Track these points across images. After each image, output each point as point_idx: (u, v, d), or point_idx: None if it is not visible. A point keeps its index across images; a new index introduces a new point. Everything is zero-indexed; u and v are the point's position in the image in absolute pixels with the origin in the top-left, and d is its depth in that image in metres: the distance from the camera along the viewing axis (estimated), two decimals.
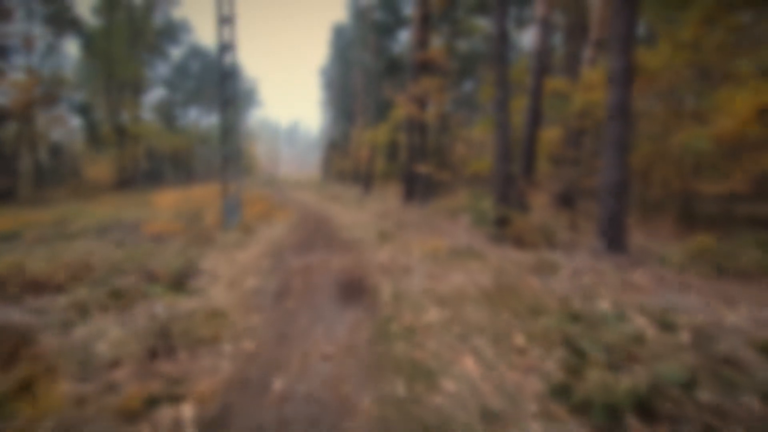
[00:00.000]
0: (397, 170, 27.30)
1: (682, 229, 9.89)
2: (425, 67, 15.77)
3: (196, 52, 47.97)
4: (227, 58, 10.41)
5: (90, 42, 25.77)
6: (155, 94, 43.21)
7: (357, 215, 14.50)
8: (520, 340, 3.64)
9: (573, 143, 14.19)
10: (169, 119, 44.91)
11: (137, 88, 32.91)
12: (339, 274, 6.55)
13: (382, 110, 27.76)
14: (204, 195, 22.22)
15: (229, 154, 10.74)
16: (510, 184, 8.69)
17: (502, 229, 8.36)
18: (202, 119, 56.37)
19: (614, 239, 6.62)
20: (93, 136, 24.66)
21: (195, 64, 51.24)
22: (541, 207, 8.78)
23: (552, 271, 5.92)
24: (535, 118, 9.99)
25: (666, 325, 3.81)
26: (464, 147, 19.45)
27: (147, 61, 35.99)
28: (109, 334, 3.71)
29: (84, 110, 24.51)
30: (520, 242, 7.83)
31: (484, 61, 23.52)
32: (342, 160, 41.32)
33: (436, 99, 15.29)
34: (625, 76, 6.42)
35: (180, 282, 5.57)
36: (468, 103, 23.78)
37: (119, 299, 4.84)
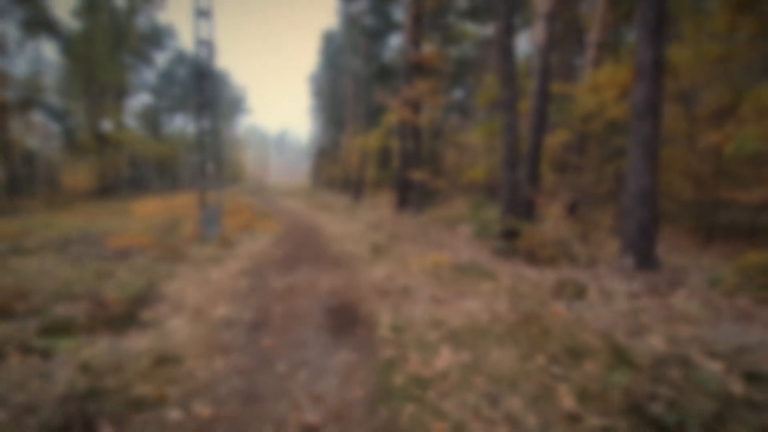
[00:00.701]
0: (389, 177, 26.48)
1: (699, 240, 9.13)
2: (419, 70, 15.00)
3: (182, 58, 46.81)
4: (204, 55, 9.48)
5: (69, 45, 24.62)
6: (140, 101, 42.00)
7: (347, 225, 13.56)
8: (568, 401, 2.73)
9: (576, 149, 13.47)
10: (154, 126, 43.68)
11: (120, 93, 31.73)
12: (328, 298, 5.60)
13: (372, 116, 26.99)
14: (186, 204, 21.08)
15: (207, 160, 9.76)
16: (517, 192, 7.85)
17: (510, 243, 7.49)
18: (189, 126, 55.21)
19: (644, 254, 5.78)
20: (70, 143, 23.43)
21: (181, 71, 50.11)
22: (551, 217, 7.94)
23: (578, 295, 5.04)
24: (541, 122, 9.19)
25: (752, 376, 2.94)
26: (458, 154, 18.65)
27: (131, 67, 34.86)
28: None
29: (61, 116, 23.29)
30: (532, 258, 6.96)
31: (475, 67, 22.91)
32: (332, 168, 40.39)
33: (430, 102, 14.49)
34: (655, 70, 5.63)
35: (131, 314, 4.57)
36: (459, 110, 23.07)
37: (50, 337, 3.84)
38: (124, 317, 4.43)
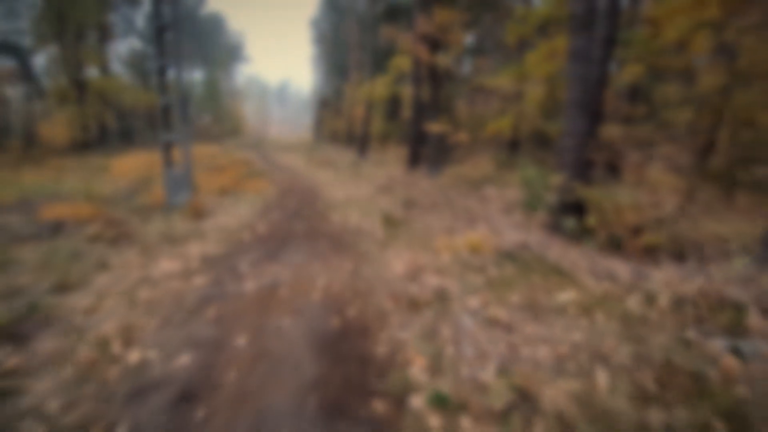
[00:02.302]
0: (398, 130, 24.07)
1: None
2: None
3: None
4: None
5: None
6: (128, 46, 38.73)
7: (352, 187, 11.46)
8: None
9: (628, 96, 11.05)
10: (143, 74, 40.59)
11: (104, 37, 28.73)
12: (323, 315, 3.62)
13: (379, 63, 24.14)
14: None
15: (171, 105, 7.54)
16: (585, 149, 5.68)
17: (577, 220, 5.41)
18: (185, 74, 51.91)
19: None
20: (36, 88, 20.90)
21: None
22: (646, 186, 5.83)
23: (738, 327, 3.03)
24: (607, 52, 6.80)
25: None
26: (482, 102, 16.14)
27: (113, 6, 31.56)
28: None
29: (21, 55, 20.58)
30: (614, 244, 4.90)
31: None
32: (334, 120, 37.71)
33: (453, 38, 11.91)
34: None
35: None
36: (473, 53, 20.11)
37: None
38: None
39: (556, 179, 5.55)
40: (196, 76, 54.19)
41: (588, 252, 4.96)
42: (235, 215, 7.66)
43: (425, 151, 15.13)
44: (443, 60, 11.93)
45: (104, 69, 29.21)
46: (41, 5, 25.19)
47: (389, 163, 17.63)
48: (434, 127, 11.76)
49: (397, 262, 4.87)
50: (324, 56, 48.54)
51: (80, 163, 18.91)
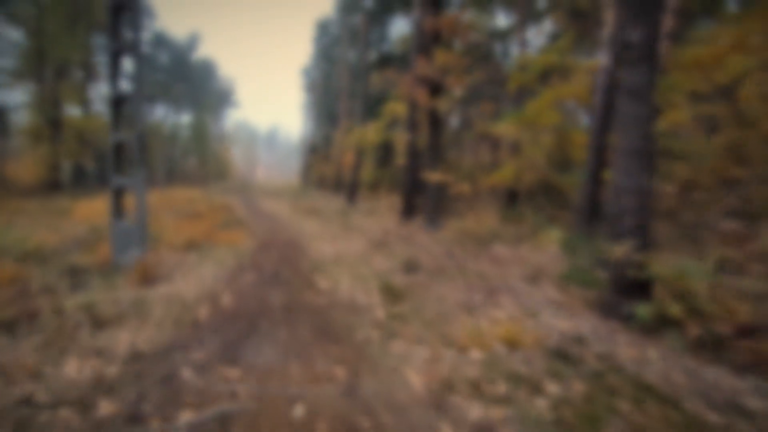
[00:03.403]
0: (390, 177, 23.08)
1: None
2: (437, 40, 11.56)
3: (161, 41, 42.92)
4: None
5: (9, 6, 20.72)
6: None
7: (342, 241, 10.05)
8: None
9: None
10: (129, 115, 39.46)
11: (88, 76, 27.88)
12: None
13: (370, 109, 23.58)
14: (153, 202, 17.42)
15: (123, 143, 6.19)
16: (649, 211, 4.43)
17: (646, 304, 4.06)
18: (170, 118, 51.24)
19: None
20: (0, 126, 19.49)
21: (163, 56, 46.18)
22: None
23: None
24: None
25: None
26: (488, 149, 15.22)
27: (100, 47, 30.99)
28: None
29: None
30: (713, 344, 3.54)
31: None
32: (323, 166, 36.83)
33: (454, 82, 11.03)
34: None
35: None
36: (476, 97, 19.54)
37: None
38: None
39: (618, 250, 4.22)
40: (184, 118, 53.64)
41: (674, 355, 3.57)
42: (197, 279, 6.13)
43: (420, 201, 13.94)
44: (444, 104, 10.98)
45: (86, 108, 28.14)
46: (23, 42, 24.33)
47: (381, 213, 16.37)
48: (433, 176, 10.61)
49: (411, 372, 3.39)
50: (314, 103, 48.68)
51: (43, 206, 17.19)
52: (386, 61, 26.85)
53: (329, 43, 39.85)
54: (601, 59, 8.73)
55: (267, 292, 5.70)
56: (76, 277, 5.85)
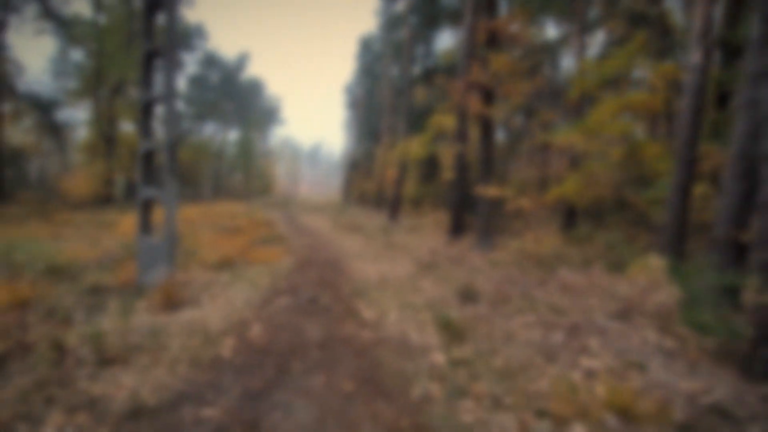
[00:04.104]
0: (434, 193, 22.14)
1: None
2: (492, 43, 10.65)
3: (212, 61, 44.53)
4: None
5: (69, 28, 21.75)
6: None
7: (386, 261, 9.19)
8: None
9: None
10: (180, 133, 40.87)
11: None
12: None
13: (414, 123, 22.86)
14: (192, 217, 17.39)
15: (154, 151, 5.67)
16: None
17: None
18: (218, 135, 52.90)
19: None
20: (56, 139, 20.26)
21: (213, 75, 47.94)
22: None
23: None
24: None
25: None
26: (542, 162, 14.00)
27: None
28: None
29: (44, 107, 20.13)
30: None
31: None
32: (364, 182, 36.40)
33: (511, 90, 10.05)
34: None
35: None
36: (527, 108, 18.37)
37: None
38: None
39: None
40: (231, 135, 55.27)
41: None
42: (226, 303, 5.43)
43: (470, 218, 12.90)
44: (498, 112, 10.00)
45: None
46: (82, 63, 25.61)
47: (425, 230, 15.41)
48: (489, 191, 9.58)
49: None
50: (356, 120, 48.80)
51: (92, 219, 17.52)
52: (431, 75, 26.22)
53: (372, 60, 39.83)
54: (692, 57, 7.52)
55: (302, 322, 4.89)
56: (98, 296, 5.31)
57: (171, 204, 5.65)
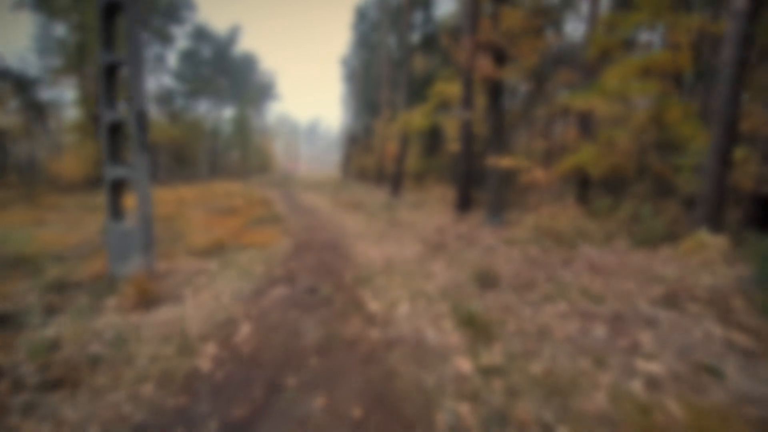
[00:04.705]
0: (438, 167, 21.28)
1: None
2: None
3: (202, 35, 42.80)
4: None
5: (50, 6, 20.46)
6: (156, 82, 38.14)
7: (391, 242, 8.46)
8: None
9: None
10: (172, 111, 39.67)
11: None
12: None
13: (414, 94, 21.79)
14: (183, 199, 16.62)
15: (120, 123, 4.85)
16: None
17: None
18: (212, 112, 51.46)
19: None
20: (36, 119, 19.26)
21: (205, 50, 46.17)
22: None
23: None
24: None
25: None
26: (571, 127, 13.08)
27: (145, 41, 30.94)
28: None
29: (24, 85, 19.06)
30: None
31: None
32: (364, 157, 35.38)
33: (524, 49, 9.08)
34: None
35: None
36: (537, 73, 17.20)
37: None
38: None
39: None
40: (226, 112, 53.80)
41: None
42: (211, 297, 4.73)
43: (477, 193, 12.12)
44: (511, 74, 9.07)
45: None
46: (65, 38, 24.28)
47: (430, 206, 14.63)
48: (502, 162, 8.75)
49: None
50: (354, 93, 47.33)
51: (80, 202, 16.74)
52: (431, 42, 24.92)
53: (368, 29, 38.16)
54: (736, 1, 6.57)
55: (299, 320, 4.19)
56: (62, 293, 4.60)
57: (143, 184, 4.88)
